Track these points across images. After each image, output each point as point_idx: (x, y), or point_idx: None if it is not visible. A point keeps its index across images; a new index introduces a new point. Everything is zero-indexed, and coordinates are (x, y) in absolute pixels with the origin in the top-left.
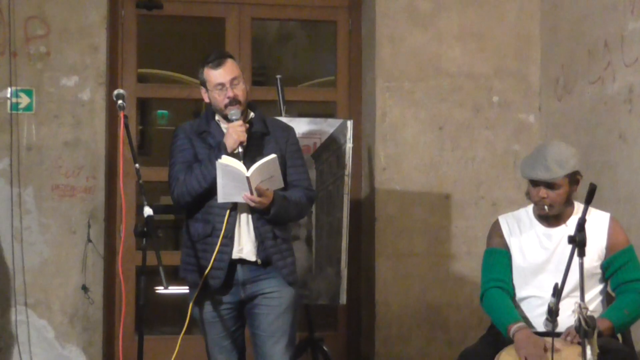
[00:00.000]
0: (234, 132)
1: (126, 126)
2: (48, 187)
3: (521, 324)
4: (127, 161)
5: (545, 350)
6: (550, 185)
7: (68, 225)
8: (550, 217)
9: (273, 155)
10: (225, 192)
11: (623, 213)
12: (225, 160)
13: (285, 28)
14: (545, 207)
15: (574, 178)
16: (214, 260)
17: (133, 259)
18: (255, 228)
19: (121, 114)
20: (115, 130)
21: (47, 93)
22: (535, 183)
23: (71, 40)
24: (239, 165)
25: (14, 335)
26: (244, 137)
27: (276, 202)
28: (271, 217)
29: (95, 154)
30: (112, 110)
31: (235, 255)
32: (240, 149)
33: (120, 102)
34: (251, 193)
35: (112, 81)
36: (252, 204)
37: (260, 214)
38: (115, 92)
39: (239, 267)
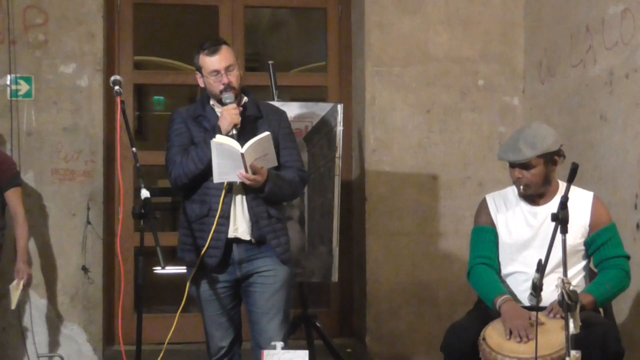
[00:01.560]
0: (228, 114)
1: (123, 111)
2: (48, 171)
3: (507, 296)
4: (125, 145)
5: (531, 323)
6: (524, 166)
7: (68, 208)
8: (535, 196)
9: (267, 133)
10: (221, 172)
11: (604, 191)
12: (219, 139)
13: (277, 15)
14: (521, 187)
15: (550, 159)
16: (212, 239)
17: (131, 240)
18: (250, 208)
19: (118, 100)
20: (113, 116)
21: (45, 80)
22: (511, 164)
23: (69, 28)
24: (233, 143)
25: (17, 315)
26: (237, 119)
27: (270, 179)
28: (266, 195)
29: (93, 138)
30: (109, 96)
31: (231, 234)
32: (234, 131)
33: (117, 88)
34: (246, 171)
35: (109, 68)
36: (247, 182)
37: (255, 193)
38: (112, 78)
39: (234, 246)
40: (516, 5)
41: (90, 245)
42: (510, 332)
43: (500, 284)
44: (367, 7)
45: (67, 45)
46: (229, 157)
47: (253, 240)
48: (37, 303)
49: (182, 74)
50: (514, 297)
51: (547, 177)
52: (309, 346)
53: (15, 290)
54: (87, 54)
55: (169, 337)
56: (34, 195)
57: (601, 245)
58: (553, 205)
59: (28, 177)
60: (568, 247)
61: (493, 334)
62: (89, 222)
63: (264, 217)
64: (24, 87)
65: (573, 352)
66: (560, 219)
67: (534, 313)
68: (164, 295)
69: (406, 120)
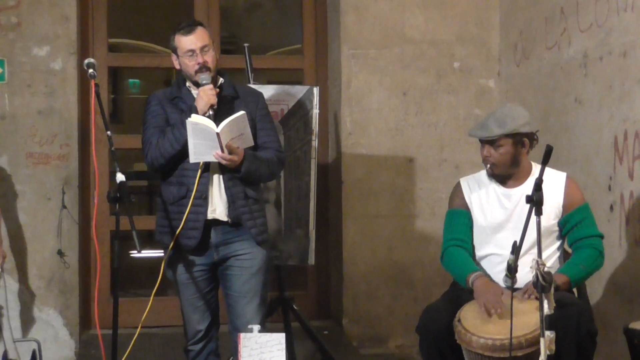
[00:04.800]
0: (204, 95)
1: (97, 94)
2: (22, 155)
3: (479, 272)
4: (100, 129)
5: (503, 299)
6: (492, 144)
7: (43, 192)
8: (504, 177)
9: (242, 112)
10: (197, 152)
11: (579, 173)
12: (195, 118)
13: None
14: (489, 166)
15: (519, 140)
16: (189, 221)
17: (107, 224)
18: (227, 188)
19: (92, 83)
20: (87, 99)
21: (19, 63)
22: (482, 142)
23: (42, 10)
24: (208, 122)
25: None
26: (214, 100)
27: (247, 159)
28: (242, 174)
29: (68, 122)
30: (84, 79)
31: (209, 215)
32: (210, 112)
33: (91, 71)
34: (222, 150)
35: (84, 50)
36: (224, 162)
37: (231, 173)
38: (86, 61)
39: (212, 229)
40: None
41: (65, 229)
42: (485, 307)
43: (473, 263)
44: None
45: (41, 28)
46: (205, 137)
47: (230, 221)
48: (13, 288)
49: (158, 56)
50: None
51: (515, 159)
52: (286, 329)
53: None
54: (61, 36)
55: (142, 320)
56: (9, 180)
57: (575, 225)
58: (527, 187)
59: (2, 161)
60: (542, 229)
61: (468, 316)
62: (64, 206)
63: (240, 197)
64: None
65: (547, 333)
66: (535, 201)
67: (506, 290)
68: (140, 278)
69: (382, 102)
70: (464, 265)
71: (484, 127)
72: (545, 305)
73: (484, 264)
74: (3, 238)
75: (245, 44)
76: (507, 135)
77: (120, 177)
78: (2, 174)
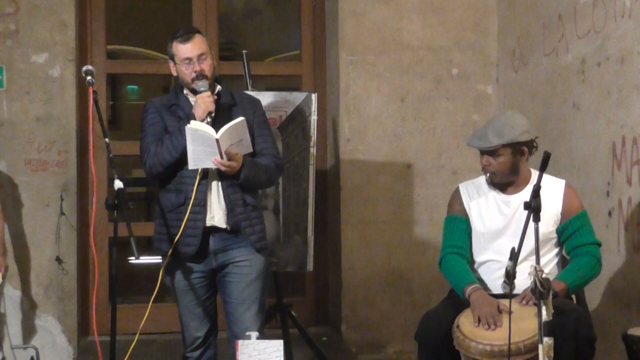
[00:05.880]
0: (202, 102)
1: (95, 101)
2: (21, 162)
3: (476, 285)
4: (98, 135)
5: (500, 310)
6: (491, 154)
7: (41, 198)
8: (504, 184)
9: (241, 118)
10: (196, 158)
11: (577, 179)
12: (194, 124)
13: (251, 4)
14: (488, 175)
15: (517, 149)
16: (188, 228)
17: (105, 231)
18: (226, 195)
19: (90, 90)
20: (86, 106)
21: (17, 70)
22: (481, 151)
23: (40, 17)
24: (208, 128)
25: None
26: (212, 107)
27: (246, 165)
28: (241, 181)
29: (66, 128)
30: (82, 86)
31: (208, 222)
32: (208, 119)
33: (89, 78)
34: (221, 157)
35: (82, 57)
36: (223, 168)
37: (230, 180)
38: (84, 68)
39: (211, 236)
40: None
41: (64, 236)
42: (479, 320)
43: (470, 274)
44: None
45: (39, 35)
46: (204, 143)
47: (228, 228)
48: (11, 294)
49: (156, 63)
50: (487, 286)
51: (514, 167)
52: (285, 335)
53: None
54: (59, 43)
55: (141, 326)
56: (7, 186)
57: (573, 232)
58: (525, 194)
59: (0, 168)
60: (540, 235)
61: (466, 322)
62: (62, 213)
63: (239, 204)
64: None
65: (546, 339)
66: (533, 208)
67: (502, 301)
68: (139, 285)
69: (380, 108)
70: (461, 275)
71: (483, 137)
72: (544, 312)
73: (482, 270)
74: (7, 248)
75: (244, 51)
76: (505, 145)
77: (118, 184)
78: (1, 181)
